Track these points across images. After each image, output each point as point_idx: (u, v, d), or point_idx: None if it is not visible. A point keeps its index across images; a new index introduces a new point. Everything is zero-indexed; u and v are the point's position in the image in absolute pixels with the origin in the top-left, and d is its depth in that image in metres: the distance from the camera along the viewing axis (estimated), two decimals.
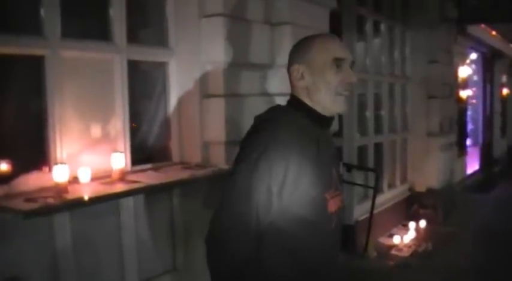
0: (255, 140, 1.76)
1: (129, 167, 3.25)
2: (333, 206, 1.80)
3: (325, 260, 1.84)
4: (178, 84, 3.60)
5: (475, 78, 11.69)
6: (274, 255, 1.74)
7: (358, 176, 6.03)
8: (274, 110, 1.90)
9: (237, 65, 3.48)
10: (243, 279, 1.75)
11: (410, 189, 7.51)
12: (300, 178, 1.69)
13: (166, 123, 3.62)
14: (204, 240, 1.77)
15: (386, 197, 6.77)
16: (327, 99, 1.80)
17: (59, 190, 2.55)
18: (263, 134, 1.74)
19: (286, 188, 1.67)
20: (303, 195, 1.70)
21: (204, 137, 3.53)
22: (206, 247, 1.76)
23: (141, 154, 3.43)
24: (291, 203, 1.69)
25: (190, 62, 3.54)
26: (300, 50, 1.86)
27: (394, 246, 6.05)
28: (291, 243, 1.74)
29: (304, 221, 1.72)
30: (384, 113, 6.94)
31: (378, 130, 6.79)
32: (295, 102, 1.87)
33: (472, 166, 11.03)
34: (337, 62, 1.78)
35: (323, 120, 1.86)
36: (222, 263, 1.75)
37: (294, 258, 1.75)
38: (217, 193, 3.35)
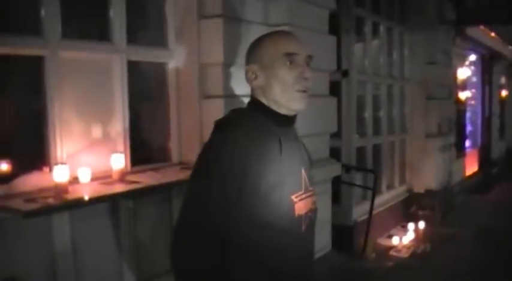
0: (209, 146, 1.69)
1: (128, 167, 3.26)
2: (302, 208, 1.71)
3: (296, 264, 1.75)
4: (177, 85, 3.61)
5: (474, 79, 11.70)
6: (241, 262, 1.66)
7: (357, 177, 6.05)
8: (232, 113, 1.82)
9: (236, 66, 3.49)
10: None
11: (409, 190, 7.53)
12: (260, 181, 1.61)
13: (165, 124, 3.63)
14: (167, 253, 1.69)
15: (385, 198, 6.78)
16: (282, 97, 1.71)
17: (59, 190, 2.56)
18: (217, 138, 1.68)
19: (245, 193, 1.59)
20: (265, 199, 1.62)
21: (204, 137, 3.53)
22: (170, 260, 1.68)
23: (140, 155, 3.43)
24: (253, 207, 1.61)
25: (190, 62, 3.55)
26: (251, 49, 1.80)
27: (392, 247, 6.06)
28: (257, 249, 1.66)
29: (268, 226, 1.63)
30: (382, 114, 6.95)
31: (377, 131, 6.80)
32: (253, 102, 1.80)
33: (471, 167, 11.03)
34: (289, 58, 1.69)
35: (283, 119, 1.76)
36: (186, 274, 1.66)
37: (261, 264, 1.67)
38: None
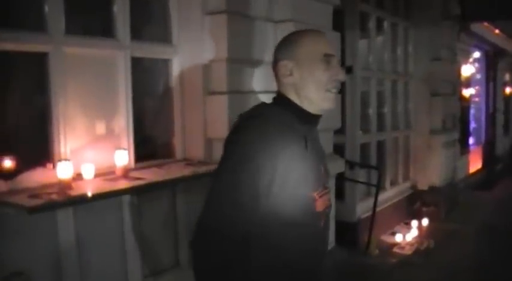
0: (241, 139, 1.67)
1: (132, 163, 3.26)
2: (321, 205, 1.76)
3: (314, 259, 1.81)
4: (181, 81, 3.60)
5: (478, 76, 11.67)
6: (261, 255, 1.69)
7: (360, 174, 6.04)
8: (260, 108, 1.81)
9: (240, 62, 3.49)
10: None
11: (413, 187, 7.51)
12: (287, 178, 1.63)
13: (169, 120, 3.63)
14: (188, 243, 1.70)
15: (389, 195, 6.76)
16: (315, 96, 1.75)
17: (63, 186, 2.56)
18: (249, 133, 1.66)
19: (273, 189, 1.62)
20: (291, 195, 1.65)
21: (207, 134, 3.54)
22: (192, 250, 1.68)
23: (144, 151, 3.43)
24: (279, 203, 1.64)
25: (194, 59, 3.55)
26: (288, 45, 1.80)
27: (396, 244, 6.05)
28: (279, 244, 1.69)
29: (292, 221, 1.67)
30: (386, 110, 6.93)
31: (381, 128, 6.78)
32: (281, 99, 1.81)
33: (475, 164, 11.01)
34: (327, 59, 1.74)
35: (311, 118, 1.81)
36: (207, 266, 1.65)
37: (282, 258, 1.70)
38: None
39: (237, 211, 1.61)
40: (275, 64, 1.83)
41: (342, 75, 1.77)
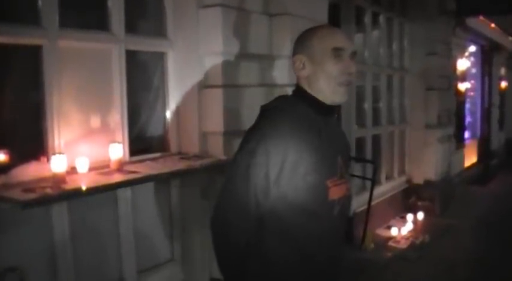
0: (256, 127, 1.82)
1: (127, 157, 3.25)
2: (335, 194, 1.82)
3: (325, 246, 1.87)
4: (176, 74, 3.59)
5: (474, 71, 11.66)
6: (274, 240, 1.80)
7: (356, 168, 6.03)
8: (278, 100, 1.94)
9: (236, 55, 3.48)
10: (245, 263, 1.82)
11: (408, 181, 7.52)
12: (297, 166, 1.72)
13: (164, 114, 3.62)
14: (209, 226, 1.83)
15: (384, 189, 6.77)
16: (326, 88, 1.83)
17: (57, 180, 2.55)
18: (264, 122, 1.81)
19: (283, 175, 1.71)
20: (301, 182, 1.73)
21: (202, 127, 3.53)
22: (211, 232, 1.83)
23: (139, 145, 3.42)
24: (289, 189, 1.73)
25: (189, 52, 3.53)
26: (301, 40, 1.89)
27: (391, 238, 6.06)
28: (290, 229, 1.78)
29: (301, 208, 1.76)
30: (382, 105, 6.92)
31: (376, 122, 6.78)
32: (298, 91, 1.91)
33: (470, 158, 11.03)
34: (337, 52, 1.80)
35: (325, 109, 1.88)
36: (226, 247, 1.81)
37: (292, 244, 1.80)
38: (215, 183, 3.37)
39: (249, 192, 1.74)
40: (292, 58, 1.91)
41: (352, 68, 1.83)
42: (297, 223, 1.78)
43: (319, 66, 1.82)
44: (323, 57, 1.81)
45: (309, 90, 1.86)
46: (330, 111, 1.91)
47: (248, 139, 1.80)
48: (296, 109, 1.84)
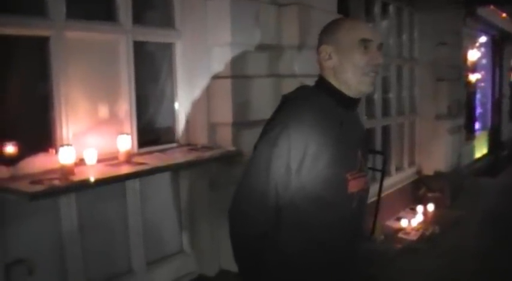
0: (278, 118, 1.80)
1: (135, 149, 3.24)
2: (354, 186, 1.81)
3: (343, 239, 1.87)
4: (184, 65, 3.57)
5: (484, 61, 11.57)
6: (291, 232, 1.79)
7: None
8: (300, 90, 1.92)
9: (244, 46, 3.45)
10: (261, 254, 1.82)
11: (418, 172, 7.47)
12: (318, 158, 1.71)
13: (172, 105, 3.60)
14: (227, 213, 1.83)
15: (394, 180, 6.74)
16: (353, 79, 1.82)
17: (65, 171, 2.54)
18: (285, 113, 1.79)
19: (304, 167, 1.71)
20: (321, 174, 1.72)
21: (211, 118, 3.51)
22: (229, 219, 1.82)
23: (147, 136, 3.42)
24: (309, 181, 1.72)
25: (197, 43, 3.51)
26: (328, 30, 1.88)
27: (401, 229, 6.02)
28: (308, 221, 1.78)
29: (321, 200, 1.75)
30: (391, 95, 6.87)
31: (386, 113, 6.74)
32: (321, 82, 1.89)
33: (480, 149, 10.96)
34: (365, 43, 1.80)
35: (348, 102, 1.87)
36: (243, 235, 1.81)
37: (310, 236, 1.80)
38: (224, 174, 3.36)
39: (269, 182, 1.73)
40: (317, 48, 1.89)
41: (380, 59, 1.83)
42: (316, 215, 1.78)
43: (347, 57, 1.81)
44: (351, 48, 1.80)
45: (333, 82, 1.85)
46: (352, 103, 1.90)
47: (269, 129, 1.78)
48: (318, 100, 1.83)
